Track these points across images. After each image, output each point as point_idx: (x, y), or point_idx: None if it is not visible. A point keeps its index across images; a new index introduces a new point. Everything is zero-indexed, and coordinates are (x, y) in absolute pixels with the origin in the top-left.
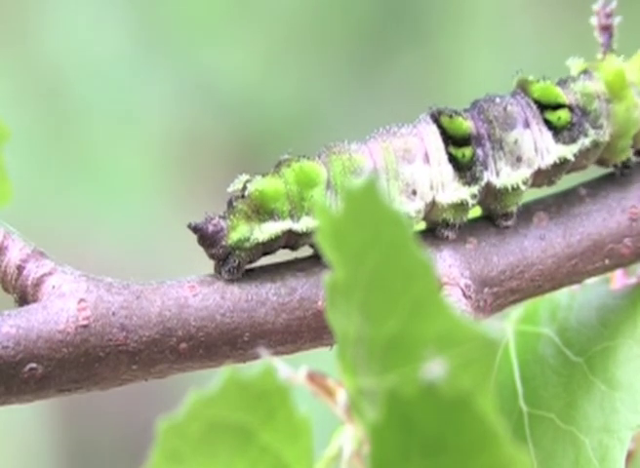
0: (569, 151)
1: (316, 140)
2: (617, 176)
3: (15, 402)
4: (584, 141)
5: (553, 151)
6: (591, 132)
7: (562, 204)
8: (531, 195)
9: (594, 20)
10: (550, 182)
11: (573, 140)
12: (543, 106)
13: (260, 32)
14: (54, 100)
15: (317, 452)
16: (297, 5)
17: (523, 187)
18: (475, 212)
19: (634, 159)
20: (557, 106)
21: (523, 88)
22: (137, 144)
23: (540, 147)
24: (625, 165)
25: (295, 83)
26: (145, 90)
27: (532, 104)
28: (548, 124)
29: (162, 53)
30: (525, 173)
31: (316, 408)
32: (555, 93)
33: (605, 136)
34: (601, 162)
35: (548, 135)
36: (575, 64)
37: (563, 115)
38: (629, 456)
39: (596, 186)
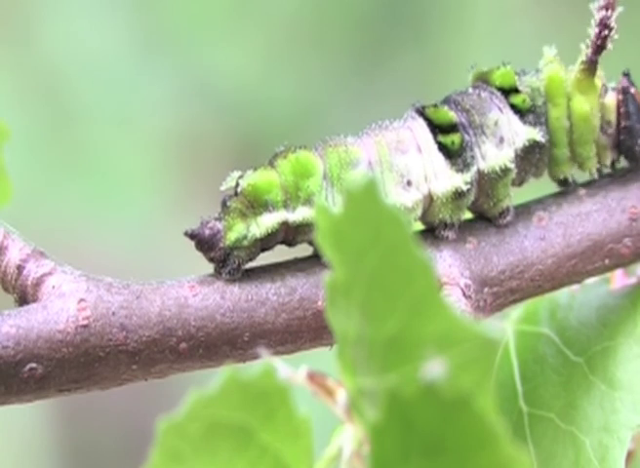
0: (536, 133)
1: (316, 140)
2: (616, 176)
3: (15, 402)
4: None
5: (522, 133)
6: (538, 127)
7: (562, 204)
8: (531, 195)
9: (591, 33)
10: (521, 182)
11: (537, 124)
12: (506, 92)
13: (260, 32)
14: (54, 100)
15: (317, 452)
16: (297, 4)
17: (511, 166)
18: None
19: (571, 179)
20: (517, 91)
21: (483, 79)
22: (137, 144)
23: (512, 129)
24: (561, 182)
25: (295, 83)
26: (146, 90)
27: (495, 92)
28: (514, 108)
29: (162, 53)
30: (509, 152)
31: (316, 408)
32: (513, 79)
33: (545, 135)
34: (548, 172)
35: (515, 117)
36: (547, 53)
37: (527, 98)
38: (629, 456)
39: (596, 186)
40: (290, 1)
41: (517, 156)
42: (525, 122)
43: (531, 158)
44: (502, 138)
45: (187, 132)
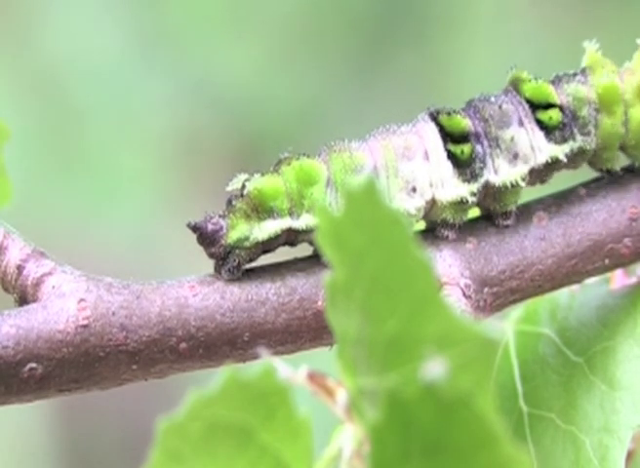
0: (560, 151)
1: (316, 140)
2: (616, 177)
3: (15, 402)
4: (573, 145)
5: (545, 150)
6: (579, 137)
7: (562, 204)
8: (531, 195)
9: None
10: (542, 181)
11: (564, 140)
12: (535, 106)
13: (259, 31)
14: (54, 100)
15: (317, 452)
16: (296, 3)
17: (522, 184)
18: (475, 211)
19: (619, 169)
20: (548, 106)
21: (515, 86)
22: (136, 144)
23: (533, 146)
24: (610, 171)
25: (294, 82)
26: (145, 89)
27: (523, 103)
28: (540, 123)
29: (161, 52)
30: (522, 169)
31: (316, 408)
32: (547, 92)
33: (592, 143)
34: (590, 164)
35: (540, 134)
36: (589, 49)
37: (554, 115)
38: (629, 456)
39: (596, 186)
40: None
41: (541, 168)
42: (550, 139)
43: (555, 166)
44: (517, 155)
45: (187, 131)
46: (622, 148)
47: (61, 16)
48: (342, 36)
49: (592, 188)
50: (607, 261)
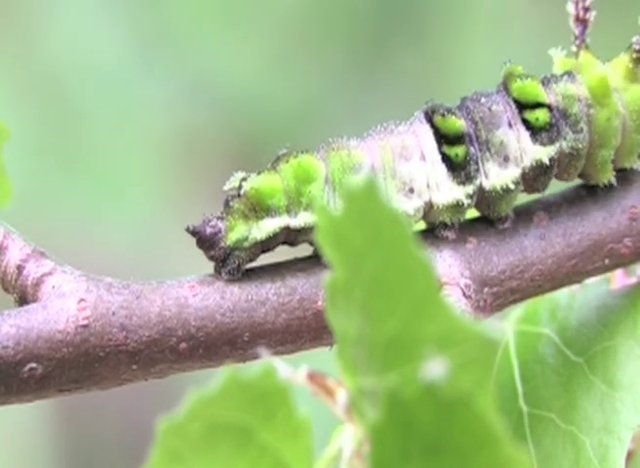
0: (545, 153)
1: (316, 140)
2: (616, 176)
3: (15, 402)
4: (563, 145)
5: (529, 152)
6: (570, 136)
7: (562, 204)
8: (531, 195)
9: (571, 9)
10: (538, 190)
11: (551, 142)
12: (522, 105)
13: (259, 30)
14: (54, 101)
15: (317, 452)
16: (296, 3)
17: (512, 187)
18: (475, 211)
19: (614, 181)
20: (536, 105)
21: (505, 84)
22: (136, 144)
23: (520, 147)
24: (606, 185)
25: (293, 81)
26: (145, 90)
27: (511, 103)
28: (526, 124)
29: (161, 52)
30: (513, 172)
31: (316, 408)
32: (535, 92)
33: (584, 141)
34: (583, 177)
35: (526, 135)
36: (557, 56)
37: (541, 115)
38: (629, 456)
39: (596, 186)
40: None
41: (528, 172)
42: (536, 141)
43: (545, 172)
44: (507, 157)
45: (187, 131)
46: (625, 141)
47: (61, 16)
48: (342, 36)
49: (593, 188)
50: (607, 261)
